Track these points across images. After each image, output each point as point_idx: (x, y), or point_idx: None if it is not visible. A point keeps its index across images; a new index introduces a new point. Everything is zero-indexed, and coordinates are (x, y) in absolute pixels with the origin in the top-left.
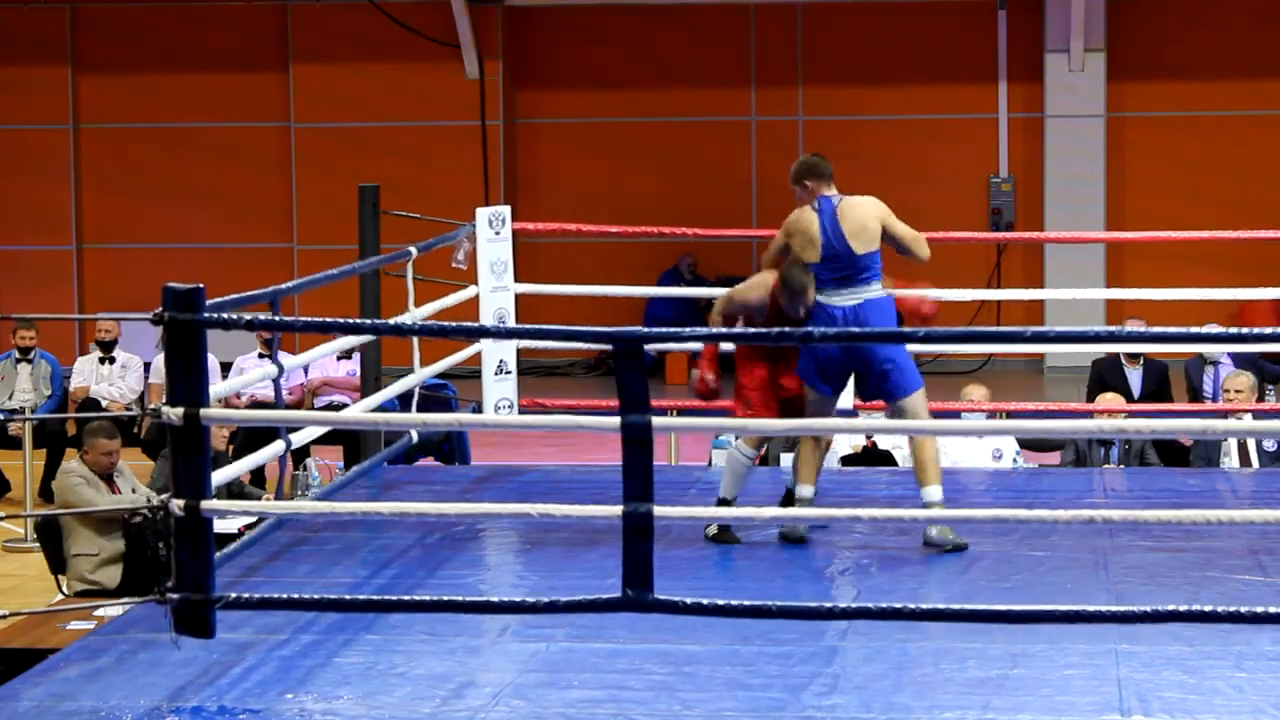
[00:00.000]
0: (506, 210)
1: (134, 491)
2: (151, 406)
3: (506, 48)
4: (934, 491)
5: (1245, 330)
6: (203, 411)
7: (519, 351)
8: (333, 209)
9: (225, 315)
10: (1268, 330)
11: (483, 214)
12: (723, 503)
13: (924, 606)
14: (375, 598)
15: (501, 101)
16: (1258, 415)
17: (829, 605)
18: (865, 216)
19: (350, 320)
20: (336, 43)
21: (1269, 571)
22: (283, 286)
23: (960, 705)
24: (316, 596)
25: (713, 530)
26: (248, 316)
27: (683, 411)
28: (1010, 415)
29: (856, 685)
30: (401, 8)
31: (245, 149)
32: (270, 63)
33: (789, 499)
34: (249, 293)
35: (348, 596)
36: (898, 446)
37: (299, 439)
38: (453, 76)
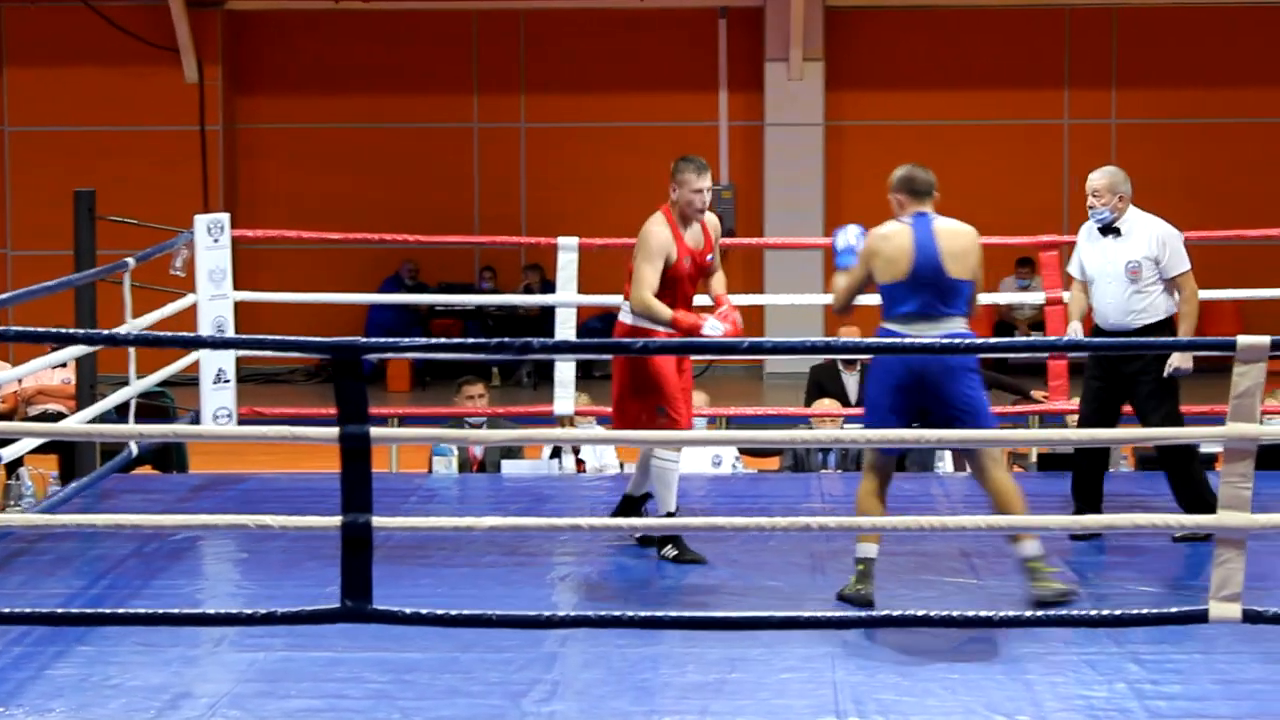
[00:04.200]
0: (225, 217)
1: None
2: None
3: (226, 52)
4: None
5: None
6: None
7: (239, 359)
8: (48, 214)
9: None
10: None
11: (201, 221)
12: (670, 515)
13: (643, 614)
14: (88, 610)
15: (221, 106)
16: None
17: (548, 614)
18: (965, 243)
19: (64, 330)
20: (51, 45)
21: (980, 574)
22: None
23: (679, 710)
24: (28, 610)
25: (671, 551)
26: None
27: (404, 420)
28: (730, 421)
29: (576, 691)
30: (119, 10)
31: None
32: None
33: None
34: None
35: (60, 610)
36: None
37: (13, 451)
38: (172, 81)
